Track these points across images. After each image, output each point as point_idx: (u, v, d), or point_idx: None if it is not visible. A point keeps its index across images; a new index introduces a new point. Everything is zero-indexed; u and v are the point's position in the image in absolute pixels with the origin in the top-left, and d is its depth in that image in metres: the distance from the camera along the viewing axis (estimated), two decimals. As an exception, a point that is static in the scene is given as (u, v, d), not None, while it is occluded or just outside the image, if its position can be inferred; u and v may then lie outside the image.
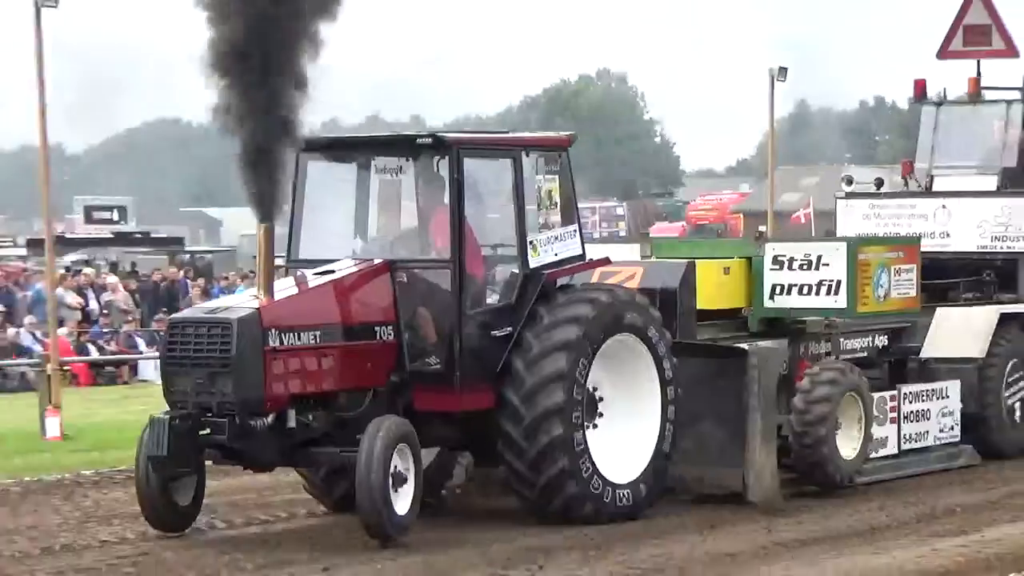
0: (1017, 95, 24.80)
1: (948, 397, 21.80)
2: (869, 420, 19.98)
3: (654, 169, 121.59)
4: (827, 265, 20.08)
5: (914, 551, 16.58)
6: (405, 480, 16.25)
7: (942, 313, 22.42)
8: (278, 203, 16.71)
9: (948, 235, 24.05)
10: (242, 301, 17.00)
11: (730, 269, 20.30)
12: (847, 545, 16.95)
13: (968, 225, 23.96)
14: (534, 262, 17.72)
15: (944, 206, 24.17)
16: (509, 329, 17.44)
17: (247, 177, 16.41)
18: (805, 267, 20.17)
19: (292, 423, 16.56)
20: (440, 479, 18.87)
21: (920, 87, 24.92)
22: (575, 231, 18.19)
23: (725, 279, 20.17)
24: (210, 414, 16.27)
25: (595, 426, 17.85)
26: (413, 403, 17.33)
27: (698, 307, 19.65)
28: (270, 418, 16.40)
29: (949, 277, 23.93)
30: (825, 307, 20.21)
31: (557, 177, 18.11)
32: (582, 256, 18.31)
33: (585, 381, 17.48)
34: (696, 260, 19.84)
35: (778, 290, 20.23)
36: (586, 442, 17.46)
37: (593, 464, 17.53)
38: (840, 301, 20.12)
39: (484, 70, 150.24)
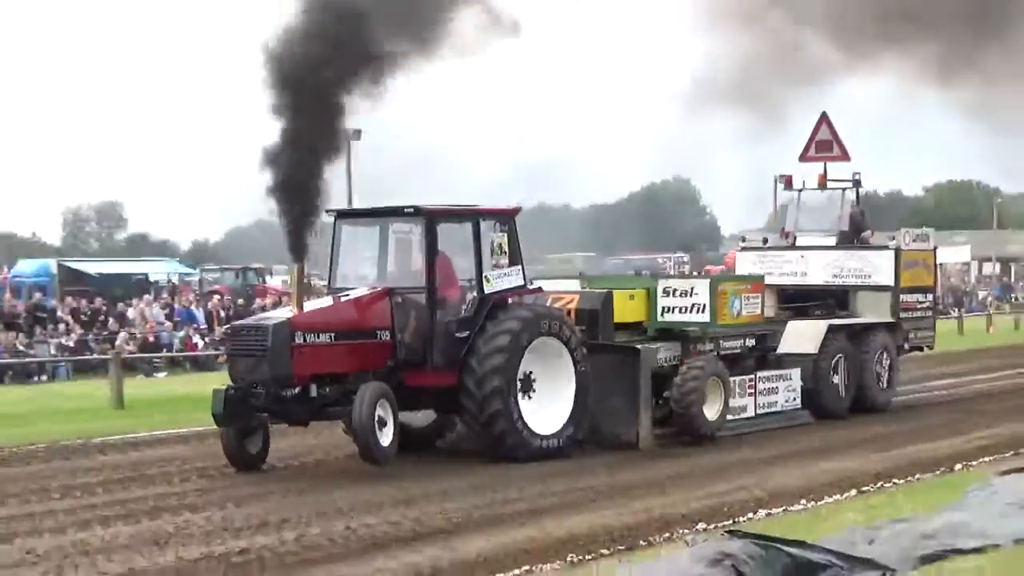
0: (849, 185, 23.08)
1: (791, 379, 20.01)
2: (727, 394, 18.26)
3: (705, 234, 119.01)
4: (697, 294, 18.34)
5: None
6: (386, 423, 14.93)
7: (791, 324, 20.79)
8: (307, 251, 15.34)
9: (806, 274, 22.33)
10: (281, 313, 15.77)
11: (635, 296, 18.57)
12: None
13: (818, 268, 22.20)
14: (488, 289, 16.30)
15: (803, 255, 22.47)
16: (468, 333, 15.94)
17: (288, 236, 15.20)
18: (684, 295, 18.46)
19: (314, 393, 15.32)
20: (435, 435, 17.28)
21: (788, 179, 23.16)
22: (519, 269, 16.60)
23: (631, 302, 18.53)
24: (256, 387, 15.01)
25: (529, 398, 16.27)
26: (404, 380, 15.88)
27: (615, 320, 17.99)
28: (297, 390, 15.18)
29: (806, 301, 22.22)
30: (696, 321, 18.53)
31: (506, 234, 16.54)
32: (523, 286, 16.76)
33: (520, 361, 15.91)
34: (613, 290, 18.28)
35: (666, 310, 18.50)
36: (517, 399, 15.88)
37: (523, 419, 16.01)
38: (706, 317, 18.36)
39: (606, 171, 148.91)
